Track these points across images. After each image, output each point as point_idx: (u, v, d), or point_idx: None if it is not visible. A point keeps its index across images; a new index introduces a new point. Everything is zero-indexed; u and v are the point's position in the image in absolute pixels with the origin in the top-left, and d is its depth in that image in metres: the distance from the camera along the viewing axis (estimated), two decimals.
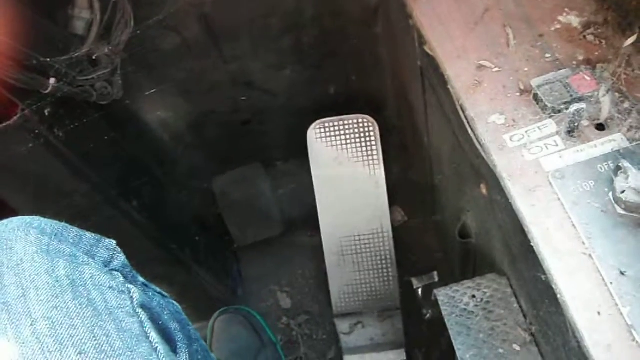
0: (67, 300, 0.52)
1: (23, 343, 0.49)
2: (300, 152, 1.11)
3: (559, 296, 0.52)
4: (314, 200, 1.11)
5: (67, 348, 0.49)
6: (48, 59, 0.75)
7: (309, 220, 1.18)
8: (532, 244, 0.56)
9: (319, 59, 1.13)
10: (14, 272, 0.53)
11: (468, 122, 0.66)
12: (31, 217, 0.59)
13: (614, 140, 0.59)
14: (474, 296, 0.71)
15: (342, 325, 1.16)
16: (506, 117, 0.64)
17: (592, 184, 0.56)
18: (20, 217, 0.59)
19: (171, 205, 1.22)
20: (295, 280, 1.37)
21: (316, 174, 1.10)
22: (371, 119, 1.08)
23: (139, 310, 0.58)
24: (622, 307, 0.50)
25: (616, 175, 0.55)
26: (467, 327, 0.68)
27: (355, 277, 1.13)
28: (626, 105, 0.61)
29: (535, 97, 0.64)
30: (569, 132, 0.60)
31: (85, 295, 0.54)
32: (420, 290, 1.00)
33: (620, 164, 0.55)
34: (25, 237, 0.56)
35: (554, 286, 0.53)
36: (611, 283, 0.51)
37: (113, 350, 0.51)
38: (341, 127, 1.09)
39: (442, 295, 0.72)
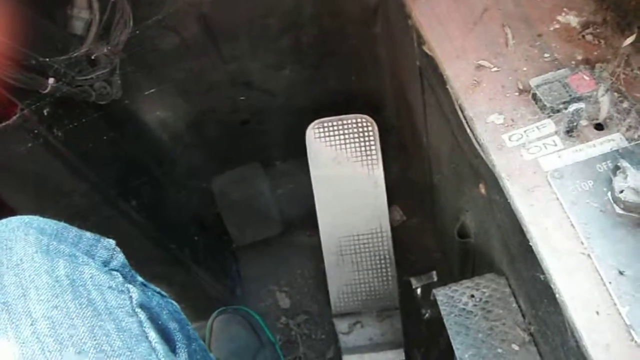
0: (67, 300, 0.52)
1: (23, 343, 0.49)
2: (299, 152, 1.11)
3: (557, 296, 0.52)
4: (312, 200, 1.11)
5: (67, 348, 0.49)
6: (47, 59, 0.75)
7: (308, 220, 1.18)
8: (530, 244, 0.56)
9: (317, 58, 1.13)
10: (14, 272, 0.53)
11: (467, 122, 0.66)
12: (30, 216, 0.59)
13: (612, 140, 0.59)
14: (472, 296, 0.71)
15: (341, 325, 1.16)
16: (505, 117, 0.64)
17: (591, 183, 0.56)
18: (19, 216, 0.59)
19: (170, 205, 1.22)
20: (294, 280, 1.37)
21: (315, 174, 1.10)
22: (370, 119, 1.08)
23: (138, 309, 0.58)
24: (620, 306, 0.50)
25: (615, 174, 0.55)
26: (466, 327, 0.68)
27: (354, 276, 1.13)
28: (625, 105, 0.61)
29: (534, 97, 0.64)
30: (567, 131, 0.60)
31: (85, 295, 0.54)
32: (419, 290, 1.00)
33: (619, 164, 0.55)
34: (25, 237, 0.56)
35: (552, 286, 0.53)
36: (610, 283, 0.51)
37: (112, 350, 0.51)
38: (340, 127, 1.09)
39: (440, 294, 0.72)
